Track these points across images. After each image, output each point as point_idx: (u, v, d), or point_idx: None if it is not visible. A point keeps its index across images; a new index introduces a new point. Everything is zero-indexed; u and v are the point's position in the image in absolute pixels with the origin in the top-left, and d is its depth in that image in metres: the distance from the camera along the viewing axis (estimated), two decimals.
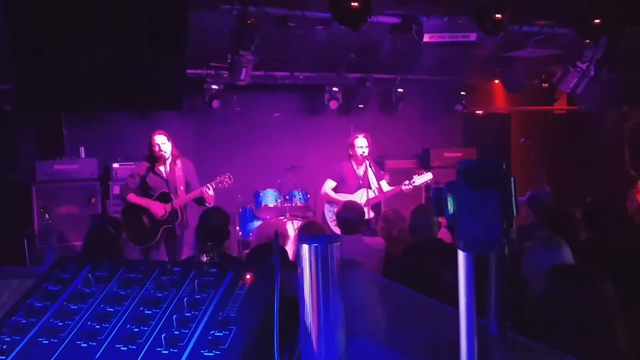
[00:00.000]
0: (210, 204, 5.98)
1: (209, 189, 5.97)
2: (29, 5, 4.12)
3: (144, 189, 6.00)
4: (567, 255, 3.26)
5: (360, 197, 6.62)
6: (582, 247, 3.97)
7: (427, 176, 6.78)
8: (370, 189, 6.78)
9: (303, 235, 1.27)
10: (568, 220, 4.44)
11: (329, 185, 6.89)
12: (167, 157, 5.97)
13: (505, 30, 6.03)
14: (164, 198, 5.93)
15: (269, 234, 4.82)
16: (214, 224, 4.42)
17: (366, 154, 6.73)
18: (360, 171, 6.84)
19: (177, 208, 5.95)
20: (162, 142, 5.93)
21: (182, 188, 6.02)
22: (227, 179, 6.10)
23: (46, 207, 6.54)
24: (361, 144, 6.73)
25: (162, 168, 5.99)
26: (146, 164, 6.03)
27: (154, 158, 5.96)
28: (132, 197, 5.97)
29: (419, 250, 3.78)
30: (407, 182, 6.72)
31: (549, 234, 3.55)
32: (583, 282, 2.55)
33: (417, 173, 6.90)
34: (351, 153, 6.84)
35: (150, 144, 5.96)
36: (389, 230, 5.26)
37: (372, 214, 6.80)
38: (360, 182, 6.82)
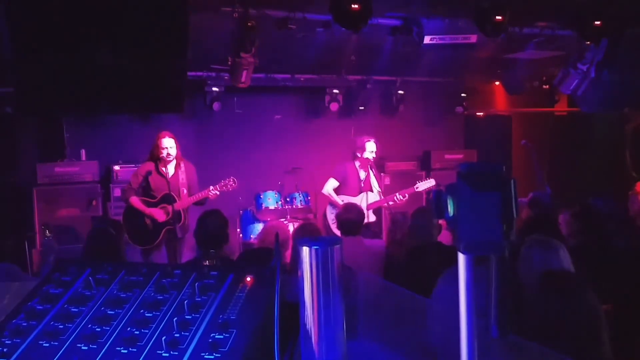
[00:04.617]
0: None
1: (214, 191, 5.99)
2: (30, 8, 4.12)
3: (146, 190, 6.00)
4: (565, 258, 3.25)
5: (361, 200, 6.63)
6: (579, 250, 3.97)
7: (430, 182, 6.94)
8: (372, 192, 6.81)
9: (302, 238, 1.27)
10: (549, 224, 4.44)
11: (331, 184, 6.91)
12: (171, 160, 5.98)
13: (505, 32, 6.03)
14: (167, 200, 5.94)
15: (272, 238, 4.81)
16: (211, 226, 4.41)
17: (373, 158, 6.85)
18: (362, 174, 6.87)
19: (180, 210, 5.96)
20: (171, 146, 5.93)
21: (185, 191, 6.02)
22: (231, 183, 6.11)
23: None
24: (372, 148, 6.84)
25: (165, 169, 6.00)
26: (151, 165, 6.02)
27: (160, 159, 5.96)
28: (134, 201, 5.96)
29: (420, 252, 3.79)
30: (398, 195, 6.78)
31: (544, 236, 3.55)
32: (566, 290, 2.56)
33: (420, 179, 7.09)
34: (359, 155, 6.87)
35: (157, 146, 5.94)
36: (393, 232, 5.31)
37: (373, 218, 6.82)
38: (362, 185, 6.84)
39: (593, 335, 2.49)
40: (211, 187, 6.01)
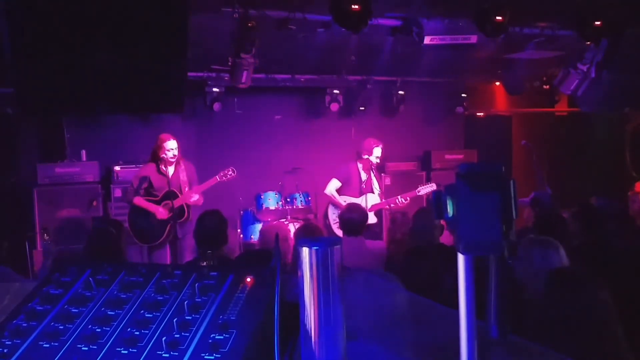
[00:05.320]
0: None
1: (196, 198, 6.07)
2: (30, 8, 4.13)
3: (148, 190, 6.07)
4: (563, 256, 3.28)
5: (362, 201, 6.64)
6: (580, 250, 3.97)
7: (432, 187, 7.08)
8: (374, 194, 6.84)
9: (302, 239, 1.27)
10: (558, 223, 4.45)
11: (334, 185, 6.94)
12: (174, 161, 6.04)
13: (505, 32, 6.03)
14: (169, 196, 6.01)
15: (272, 238, 4.81)
16: (209, 226, 4.41)
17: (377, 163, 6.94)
18: (364, 176, 6.92)
19: (182, 205, 6.04)
20: (175, 147, 6.04)
21: (186, 189, 6.12)
22: (230, 172, 6.30)
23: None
24: (378, 154, 6.99)
25: (165, 169, 6.06)
26: (153, 166, 6.08)
27: (161, 160, 6.00)
28: (138, 200, 6.06)
29: (420, 253, 3.79)
30: (400, 198, 6.83)
31: (542, 236, 3.56)
32: (579, 287, 2.56)
33: (420, 180, 7.16)
34: (365, 156, 6.91)
35: (161, 148, 6.00)
36: (393, 231, 5.32)
37: (374, 219, 6.84)
38: (363, 186, 6.87)
39: (608, 331, 2.48)
40: (194, 197, 6.04)
